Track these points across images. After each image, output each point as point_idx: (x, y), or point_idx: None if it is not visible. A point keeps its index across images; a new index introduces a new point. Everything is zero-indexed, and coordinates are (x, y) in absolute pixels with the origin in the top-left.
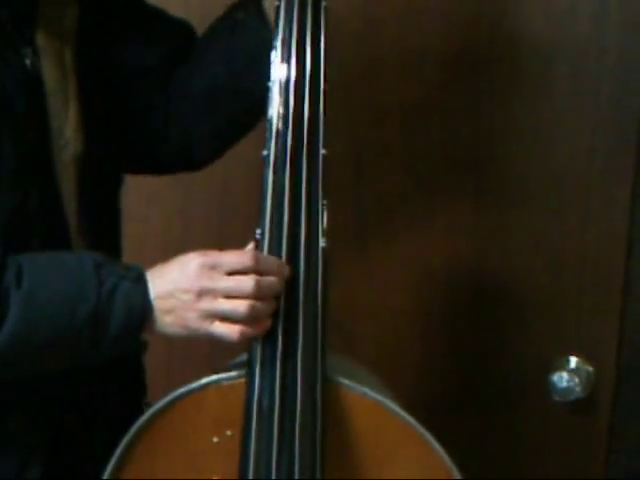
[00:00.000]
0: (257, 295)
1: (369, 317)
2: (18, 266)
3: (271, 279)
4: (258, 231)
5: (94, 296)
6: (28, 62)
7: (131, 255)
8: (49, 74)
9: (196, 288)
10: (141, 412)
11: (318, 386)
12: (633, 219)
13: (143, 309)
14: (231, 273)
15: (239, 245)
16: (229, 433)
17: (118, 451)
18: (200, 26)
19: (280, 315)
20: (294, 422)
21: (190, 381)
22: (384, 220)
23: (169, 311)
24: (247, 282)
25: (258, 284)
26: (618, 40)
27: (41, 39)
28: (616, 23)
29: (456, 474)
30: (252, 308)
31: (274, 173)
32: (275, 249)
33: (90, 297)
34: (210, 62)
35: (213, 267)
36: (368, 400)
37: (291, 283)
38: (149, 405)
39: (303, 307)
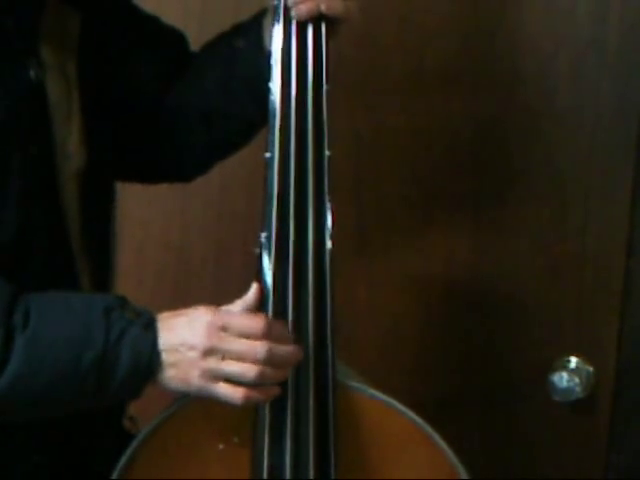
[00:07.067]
0: (268, 362)
1: (368, 318)
2: (26, 306)
3: (284, 348)
4: (264, 234)
5: (101, 341)
6: (32, 74)
7: (131, 256)
8: (53, 86)
9: (202, 346)
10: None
11: (330, 389)
12: (633, 219)
13: (150, 357)
14: (241, 335)
15: (238, 247)
16: (235, 440)
17: (124, 458)
18: (199, 31)
19: (289, 315)
20: (308, 426)
21: None
22: (384, 221)
23: (172, 365)
24: (259, 347)
25: (270, 351)
26: (618, 40)
27: (45, 51)
28: (616, 23)
29: (462, 473)
30: (261, 374)
31: (279, 176)
32: (283, 253)
33: (97, 342)
34: (207, 87)
35: (223, 327)
36: (377, 401)
37: (301, 285)
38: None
39: (313, 306)
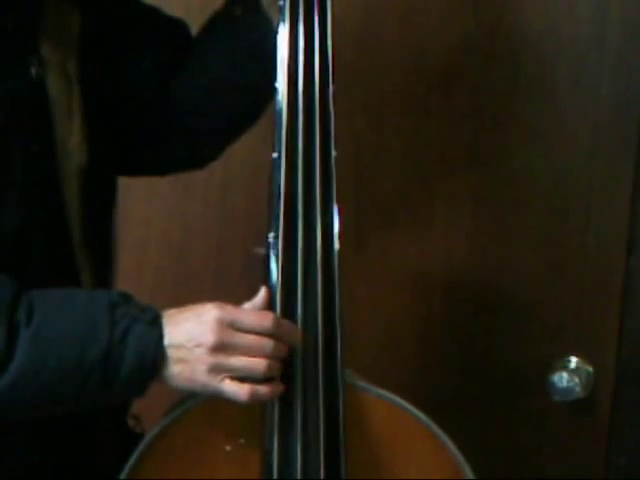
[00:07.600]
0: (274, 356)
1: (368, 316)
2: (29, 302)
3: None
4: (271, 235)
5: (106, 337)
6: (33, 72)
7: (131, 256)
8: (53, 84)
9: (211, 342)
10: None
11: (340, 390)
12: (633, 219)
13: (155, 354)
14: (249, 331)
15: (239, 247)
16: (242, 441)
17: (131, 461)
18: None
19: (298, 315)
20: (317, 426)
21: None
22: (384, 221)
23: (178, 361)
24: (267, 342)
25: (278, 346)
26: (618, 40)
27: (45, 49)
28: (616, 23)
29: (468, 472)
30: (270, 367)
31: (286, 176)
32: (290, 253)
33: (101, 338)
34: (211, 60)
35: (231, 323)
36: (383, 400)
37: (309, 286)
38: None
39: (322, 307)
